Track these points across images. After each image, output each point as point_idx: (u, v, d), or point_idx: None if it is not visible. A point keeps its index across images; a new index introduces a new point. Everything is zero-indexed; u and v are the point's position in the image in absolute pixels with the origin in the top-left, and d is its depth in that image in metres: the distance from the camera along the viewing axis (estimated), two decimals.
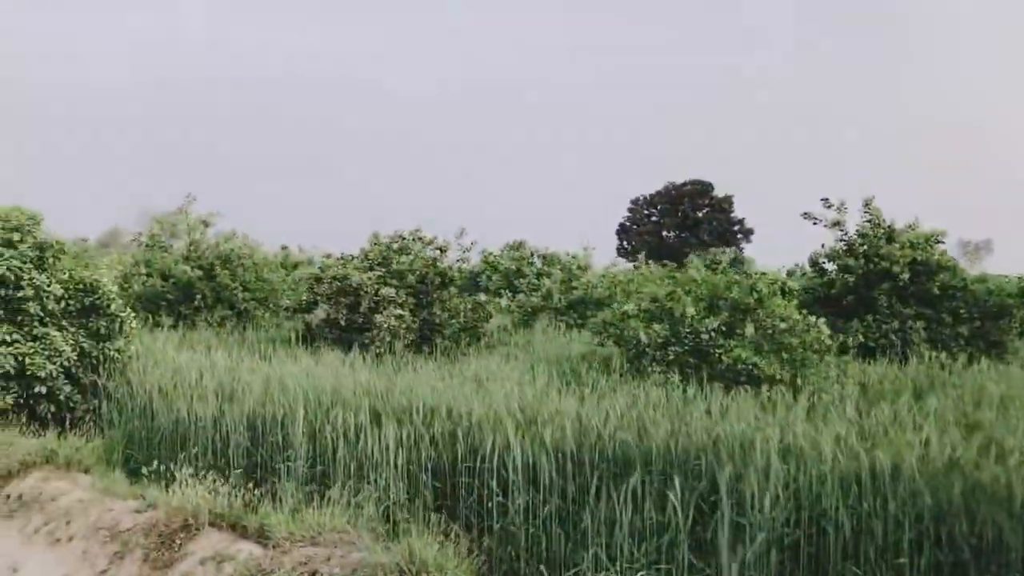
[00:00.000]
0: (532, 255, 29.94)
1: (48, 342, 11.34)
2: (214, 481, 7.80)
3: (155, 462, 8.06)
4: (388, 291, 15.76)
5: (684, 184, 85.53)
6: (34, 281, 11.11)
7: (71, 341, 11.65)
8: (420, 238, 17.64)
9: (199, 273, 20.03)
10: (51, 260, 11.73)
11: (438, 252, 17.32)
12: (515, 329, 18.03)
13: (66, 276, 11.71)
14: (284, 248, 35.86)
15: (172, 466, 8.05)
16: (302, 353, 14.84)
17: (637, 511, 6.67)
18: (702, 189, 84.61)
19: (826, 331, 11.49)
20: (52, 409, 11.54)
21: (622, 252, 78.90)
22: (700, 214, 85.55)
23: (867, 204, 16.85)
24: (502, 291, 24.53)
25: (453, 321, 16.41)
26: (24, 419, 11.33)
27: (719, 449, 6.79)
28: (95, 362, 12.09)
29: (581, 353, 14.42)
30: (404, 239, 17.76)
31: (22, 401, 11.36)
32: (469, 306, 16.64)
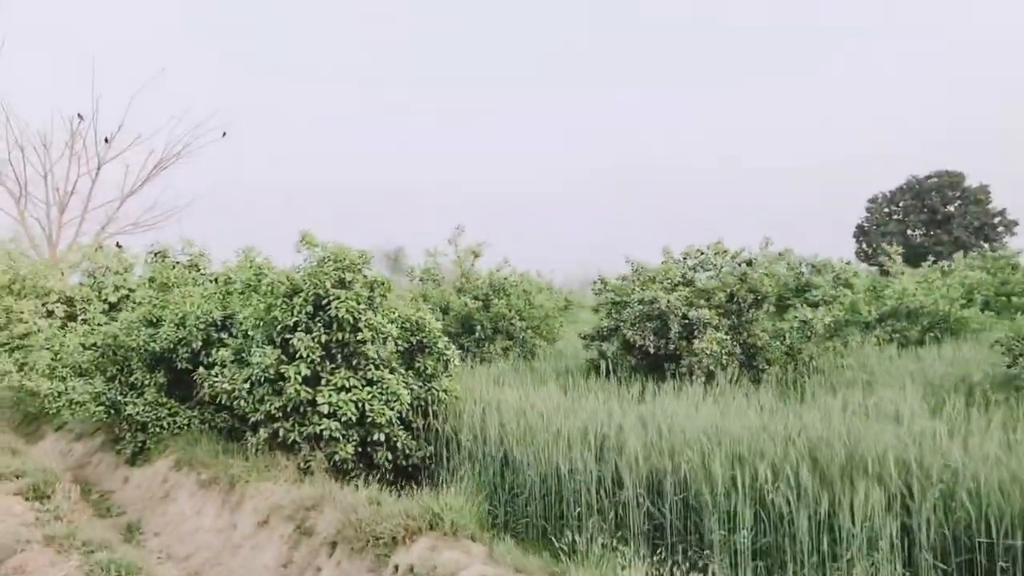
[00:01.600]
0: (800, 264, 27.25)
1: (384, 386, 10.67)
2: (623, 555, 6.43)
3: (567, 533, 6.79)
4: (703, 312, 14.06)
5: (929, 176, 77.96)
6: (371, 322, 10.47)
7: (403, 383, 10.94)
8: (724, 251, 15.84)
9: (477, 304, 19.44)
10: (379, 299, 11.11)
11: (746, 266, 15.43)
12: (827, 348, 15.68)
13: (395, 315, 11.03)
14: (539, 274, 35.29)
15: (576, 536, 6.75)
16: (611, 385, 13.50)
17: None
18: (951, 180, 76.67)
19: None
20: (389, 457, 10.86)
21: (861, 255, 72.77)
22: (951, 208, 77.59)
23: None
24: (790, 304, 22.10)
25: (775, 343, 14.43)
26: (362, 468, 10.76)
27: None
28: (423, 404, 11.35)
29: (958, 375, 11.99)
30: (703, 253, 16.04)
31: (359, 450, 10.77)
32: (794, 325, 14.58)
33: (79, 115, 27.52)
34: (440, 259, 22.41)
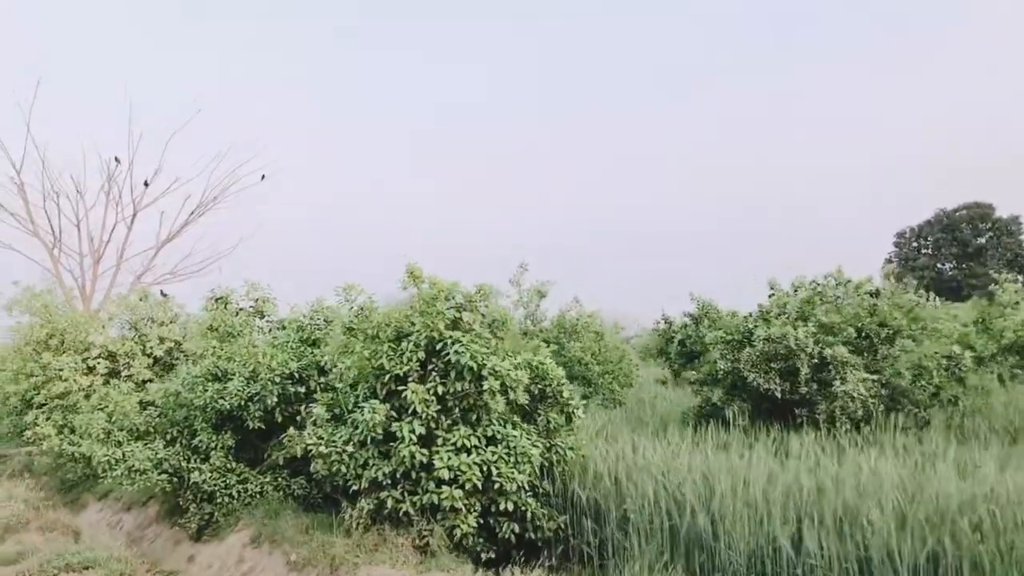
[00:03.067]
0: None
1: (511, 444, 9.01)
2: None
3: None
4: (839, 350, 12.39)
5: (958, 209, 76.74)
6: (496, 368, 8.85)
7: (529, 441, 9.28)
8: (846, 281, 14.22)
9: (552, 348, 17.80)
10: (497, 342, 9.52)
11: (872, 296, 13.79)
12: (972, 388, 13.95)
13: (519, 359, 9.41)
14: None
15: None
16: (738, 436, 11.80)
17: None
18: (981, 212, 75.41)
19: None
20: (515, 529, 9.15)
21: None
22: (982, 240, 76.14)
23: None
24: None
25: (921, 383, 12.73)
26: (484, 544, 9.07)
27: None
28: (548, 465, 9.67)
29: None
30: (819, 285, 14.43)
31: (479, 521, 9.08)
32: (941, 363, 12.88)
33: (116, 158, 26.22)
34: (502, 300, 20.82)
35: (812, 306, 13.99)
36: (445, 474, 8.66)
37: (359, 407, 9.42)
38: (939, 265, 75.68)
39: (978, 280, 67.16)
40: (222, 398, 11.61)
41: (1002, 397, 13.81)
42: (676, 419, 14.18)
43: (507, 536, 9.08)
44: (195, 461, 11.75)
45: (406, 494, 9.04)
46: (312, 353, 12.25)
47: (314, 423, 9.65)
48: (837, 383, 12.02)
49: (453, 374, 8.91)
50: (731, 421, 13.02)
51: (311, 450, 9.43)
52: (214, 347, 12.74)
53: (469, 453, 8.86)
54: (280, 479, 11.92)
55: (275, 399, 11.46)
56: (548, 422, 9.76)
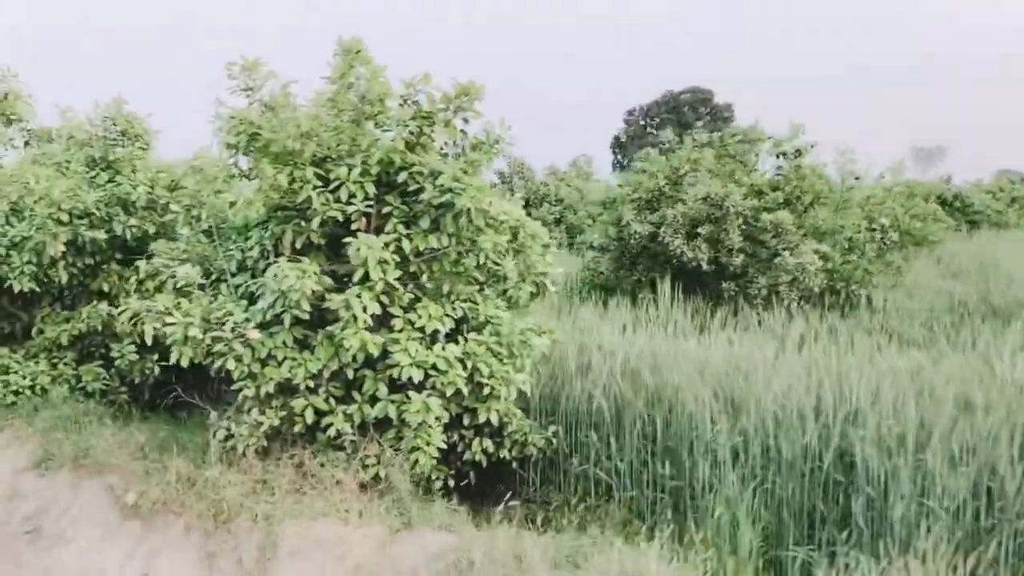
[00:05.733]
0: None
1: (499, 329, 6.08)
2: None
3: None
4: (782, 216, 10.70)
5: (682, 92, 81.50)
6: (504, 217, 5.77)
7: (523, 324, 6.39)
8: (764, 138, 12.47)
9: None
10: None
11: (795, 156, 12.13)
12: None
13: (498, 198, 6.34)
14: None
15: None
16: (661, 312, 9.83)
17: None
18: (702, 97, 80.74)
19: None
20: (487, 449, 6.36)
21: (617, 166, 74.16)
22: (700, 123, 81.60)
23: None
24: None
25: (852, 259, 11.50)
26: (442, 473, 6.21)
27: None
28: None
29: None
30: (741, 142, 12.59)
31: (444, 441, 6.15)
32: (861, 235, 11.65)
33: None
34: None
35: (725, 166, 12.15)
36: (414, 374, 5.57)
37: (257, 267, 5.89)
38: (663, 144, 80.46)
39: None
40: None
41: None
42: (584, 290, 11.87)
43: (475, 459, 6.28)
44: None
45: (335, 403, 5.84)
46: (113, 182, 8.10)
47: (178, 289, 5.94)
48: (786, 254, 10.31)
49: (429, 221, 5.68)
50: (634, 295, 11.01)
51: (158, 332, 5.75)
52: None
53: (448, 343, 5.81)
54: (62, 366, 7.96)
55: (60, 248, 7.35)
56: (515, 298, 6.87)
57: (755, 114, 31.58)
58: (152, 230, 8.02)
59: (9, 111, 8.74)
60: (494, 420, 6.07)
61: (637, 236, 11.35)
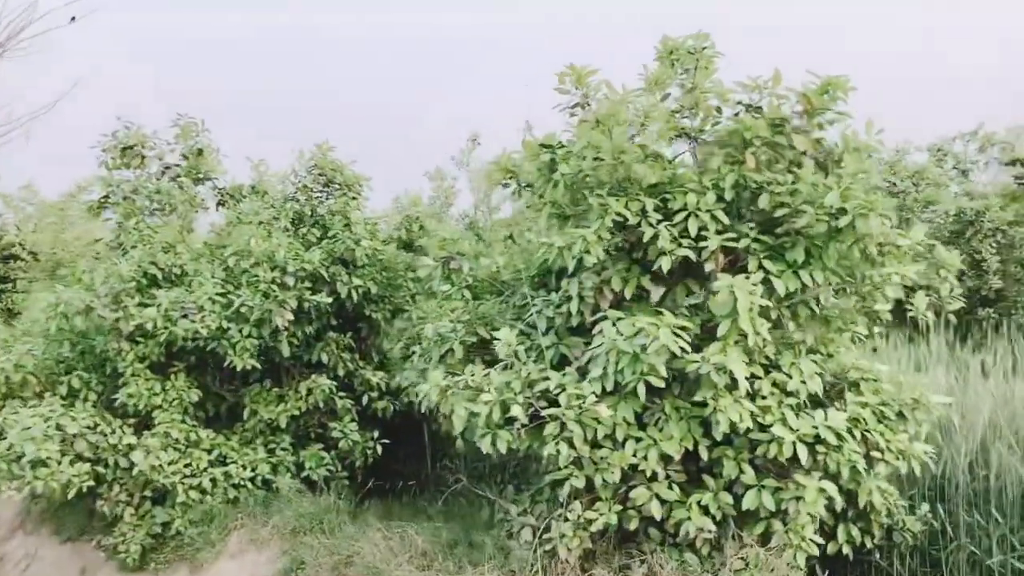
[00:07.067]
0: None
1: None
2: None
3: None
4: None
5: None
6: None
7: None
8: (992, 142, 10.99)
9: None
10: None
11: None
12: None
13: None
14: None
15: None
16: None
17: None
18: None
19: None
20: None
21: None
22: None
23: None
24: None
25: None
26: None
27: None
28: None
29: None
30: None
31: None
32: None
33: None
34: None
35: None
36: (800, 451, 4.32)
37: (569, 324, 4.79)
38: None
39: None
40: (184, 316, 6.34)
41: None
42: None
43: (840, 551, 4.94)
44: (124, 430, 6.47)
45: (679, 491, 4.63)
46: (329, 238, 7.18)
47: (486, 361, 4.86)
48: None
49: (803, 254, 4.48)
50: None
51: (467, 422, 4.62)
52: (140, 229, 7.19)
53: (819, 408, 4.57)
54: (280, 451, 6.97)
55: (288, 316, 6.39)
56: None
57: None
58: (374, 290, 7.07)
59: (205, 168, 7.94)
60: (877, 503, 4.76)
61: None
